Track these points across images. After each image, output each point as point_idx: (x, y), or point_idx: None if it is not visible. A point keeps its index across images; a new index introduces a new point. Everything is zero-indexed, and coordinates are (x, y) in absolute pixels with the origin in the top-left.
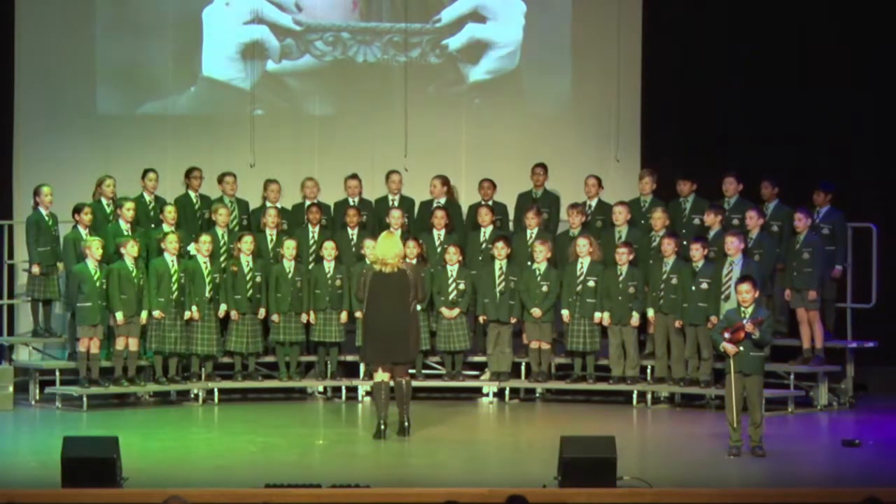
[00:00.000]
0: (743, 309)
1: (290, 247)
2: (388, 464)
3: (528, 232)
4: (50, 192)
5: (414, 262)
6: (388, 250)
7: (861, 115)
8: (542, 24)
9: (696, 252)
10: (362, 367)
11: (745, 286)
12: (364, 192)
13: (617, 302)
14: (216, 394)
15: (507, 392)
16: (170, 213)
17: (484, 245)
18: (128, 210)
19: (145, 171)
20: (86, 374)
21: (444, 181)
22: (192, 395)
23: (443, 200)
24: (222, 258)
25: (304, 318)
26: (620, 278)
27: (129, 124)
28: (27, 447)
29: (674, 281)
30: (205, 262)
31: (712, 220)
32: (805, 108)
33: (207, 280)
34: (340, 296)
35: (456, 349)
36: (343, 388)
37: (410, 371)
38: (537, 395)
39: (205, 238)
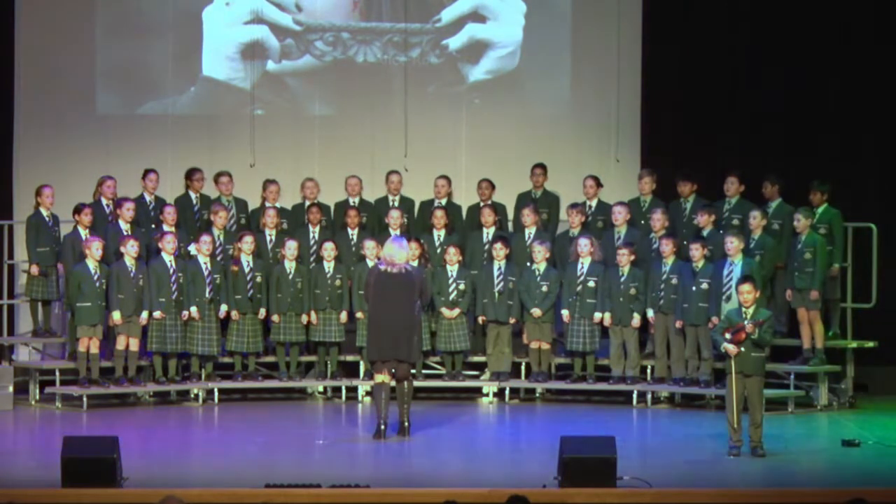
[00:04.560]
0: (744, 309)
1: (291, 247)
2: (388, 464)
3: (527, 231)
4: (51, 192)
5: (415, 263)
6: (397, 252)
7: (861, 114)
8: (542, 24)
9: (696, 252)
10: (362, 367)
11: (747, 286)
12: (364, 193)
13: (618, 303)
14: (216, 394)
15: (507, 392)
16: (169, 213)
17: (487, 246)
18: (127, 210)
19: (146, 172)
20: (86, 374)
21: (449, 181)
22: (192, 395)
23: (444, 201)
24: (219, 258)
25: (304, 318)
26: (622, 279)
27: (129, 124)
28: (27, 447)
29: (674, 281)
30: (205, 263)
31: (706, 220)
32: (805, 108)
33: (208, 280)
34: (340, 296)
35: (456, 349)
36: (343, 388)
37: (411, 371)
38: (537, 395)
39: (205, 238)
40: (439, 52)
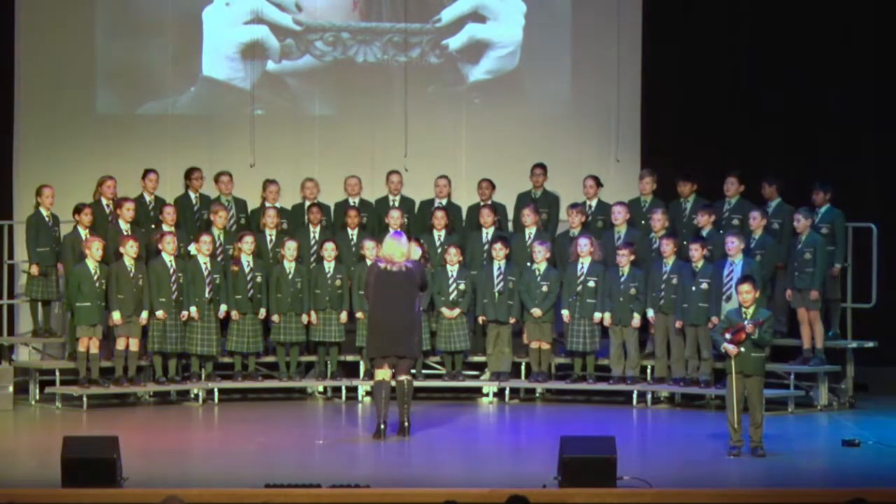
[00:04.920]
0: (744, 309)
1: (291, 247)
2: (388, 464)
3: (527, 231)
4: (51, 192)
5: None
6: (396, 249)
7: (861, 114)
8: (542, 24)
9: (695, 252)
10: (362, 367)
11: (746, 286)
12: (364, 193)
13: (618, 303)
14: (216, 394)
15: (507, 392)
16: (169, 213)
17: (486, 246)
18: (127, 210)
19: (146, 172)
20: (86, 374)
21: (449, 181)
22: (192, 395)
23: (444, 201)
24: (219, 258)
25: (304, 318)
26: (622, 279)
27: (129, 124)
28: (27, 447)
29: (674, 281)
30: (205, 263)
31: (706, 220)
32: (805, 108)
33: (207, 280)
34: (340, 296)
35: (456, 349)
36: (343, 388)
37: (411, 371)
38: (537, 395)
39: (205, 238)
40: (439, 52)
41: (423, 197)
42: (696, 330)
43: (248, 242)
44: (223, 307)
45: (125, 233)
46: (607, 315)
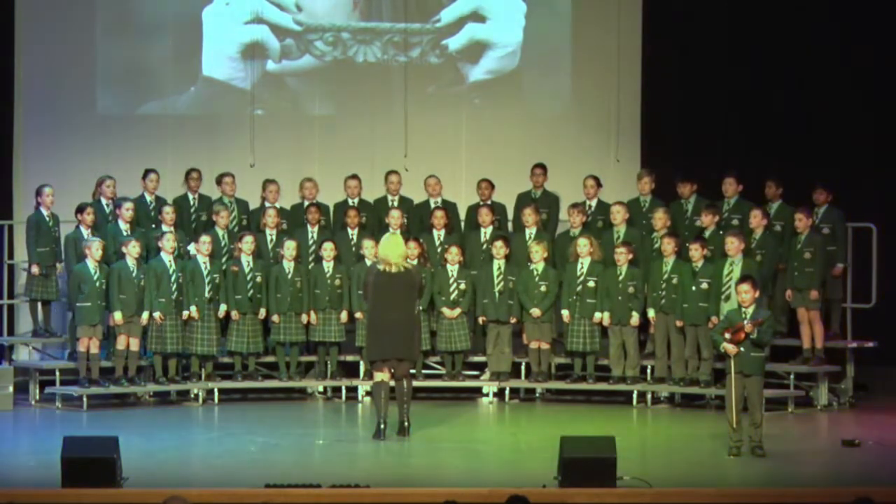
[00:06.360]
0: (743, 309)
1: (290, 247)
2: (388, 464)
3: (527, 231)
4: (52, 192)
5: (415, 262)
6: (392, 251)
7: (861, 114)
8: (542, 24)
9: (696, 252)
10: (362, 367)
11: (745, 286)
12: (364, 193)
13: (617, 302)
14: (216, 394)
15: (507, 392)
16: (168, 213)
17: (485, 245)
18: (127, 210)
19: (146, 172)
20: (86, 374)
21: (438, 179)
22: (192, 395)
23: (439, 200)
24: (224, 259)
25: (304, 318)
26: (620, 278)
27: (129, 124)
28: (27, 447)
29: (674, 281)
30: (205, 263)
31: (710, 220)
32: (805, 108)
33: (207, 280)
34: (340, 296)
35: (456, 349)
36: (343, 388)
37: (411, 371)
38: (537, 395)
39: (205, 238)
40: (439, 52)
41: (423, 197)
42: (696, 330)
43: (248, 242)
44: (223, 307)
45: (125, 233)
46: (607, 315)
